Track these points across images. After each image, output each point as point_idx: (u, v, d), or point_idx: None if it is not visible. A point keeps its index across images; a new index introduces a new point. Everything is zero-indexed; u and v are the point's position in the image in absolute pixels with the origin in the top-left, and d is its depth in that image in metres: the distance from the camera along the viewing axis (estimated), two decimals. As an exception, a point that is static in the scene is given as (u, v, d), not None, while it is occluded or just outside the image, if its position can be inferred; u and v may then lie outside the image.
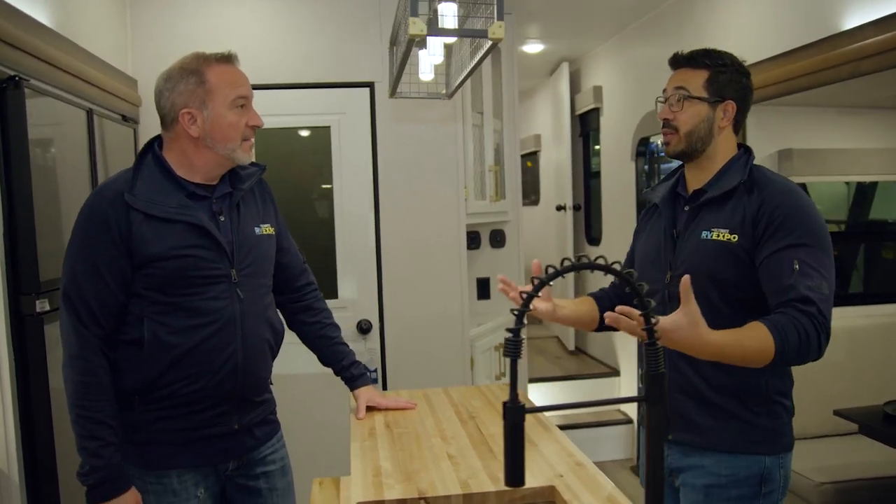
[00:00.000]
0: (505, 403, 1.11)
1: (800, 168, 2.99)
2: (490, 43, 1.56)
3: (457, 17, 1.69)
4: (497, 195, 3.69)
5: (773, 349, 1.40)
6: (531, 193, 6.77)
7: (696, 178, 1.72)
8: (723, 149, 1.69)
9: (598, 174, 5.25)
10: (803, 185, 3.19)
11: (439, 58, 2.03)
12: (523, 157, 6.94)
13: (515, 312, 1.08)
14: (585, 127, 5.49)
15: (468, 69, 1.81)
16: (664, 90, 1.73)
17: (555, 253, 5.81)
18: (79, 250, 1.59)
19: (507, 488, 1.53)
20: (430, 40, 1.89)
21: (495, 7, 1.50)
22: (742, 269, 1.58)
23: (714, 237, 1.61)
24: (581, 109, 5.31)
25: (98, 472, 1.57)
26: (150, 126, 2.96)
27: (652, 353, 1.12)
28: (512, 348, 1.08)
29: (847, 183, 3.50)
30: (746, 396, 1.62)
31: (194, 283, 1.62)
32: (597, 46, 4.95)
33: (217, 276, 1.65)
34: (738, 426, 1.63)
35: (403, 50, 1.75)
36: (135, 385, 1.62)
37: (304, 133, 3.22)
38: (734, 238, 1.58)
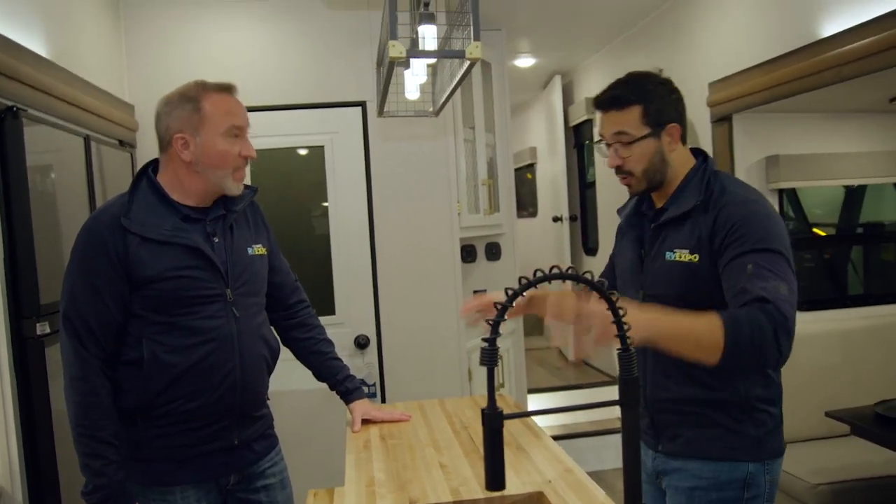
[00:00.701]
0: (483, 410, 1.15)
1: (787, 174, 3.03)
2: (468, 63, 1.61)
3: (437, 39, 1.75)
4: (491, 208, 3.74)
5: (724, 338, 1.36)
6: (529, 206, 6.82)
7: (659, 197, 1.74)
8: (679, 166, 1.69)
9: (593, 185, 5.31)
10: (792, 192, 3.24)
11: (423, 77, 2.09)
12: (521, 169, 7.00)
13: (490, 322, 1.13)
14: (580, 138, 5.55)
15: (450, 88, 1.86)
16: (601, 135, 1.72)
17: (552, 264, 5.85)
18: (78, 273, 1.63)
19: (496, 494, 1.57)
20: (414, 61, 1.94)
21: (472, 28, 1.55)
22: (707, 287, 1.58)
23: (677, 258, 1.62)
24: (575, 121, 5.37)
25: (102, 490, 1.60)
26: (147, 150, 3.03)
27: (625, 359, 1.16)
28: (488, 357, 1.13)
29: (845, 187, 3.54)
30: (728, 406, 1.63)
31: (191, 302, 1.66)
32: (587, 58, 5.02)
33: (213, 295, 1.69)
34: (720, 434, 1.64)
35: (386, 70, 1.81)
36: (136, 404, 1.66)
37: (299, 152, 3.27)
38: (695, 258, 1.59)
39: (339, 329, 3.22)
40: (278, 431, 1.97)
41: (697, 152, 1.74)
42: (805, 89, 2.60)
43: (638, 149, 1.64)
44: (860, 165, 3.17)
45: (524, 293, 1.14)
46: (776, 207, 3.15)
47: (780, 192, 3.18)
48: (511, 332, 3.90)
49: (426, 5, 1.71)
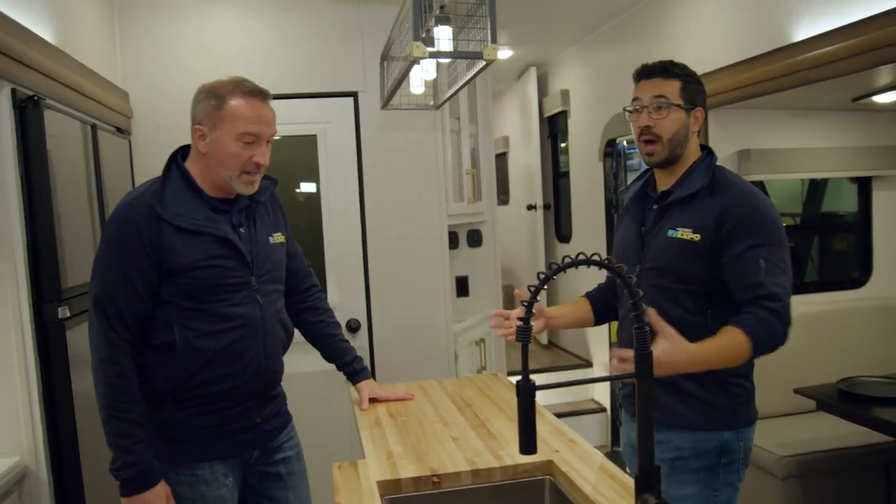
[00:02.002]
0: (518, 382, 1.28)
1: (757, 167, 3.21)
2: (483, 63, 1.72)
3: (451, 39, 1.85)
4: (474, 196, 3.86)
5: (750, 349, 1.61)
6: (501, 193, 6.95)
7: (665, 181, 1.87)
8: (692, 152, 1.84)
9: (566, 174, 5.46)
10: (761, 184, 3.43)
11: (432, 74, 2.19)
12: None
13: (524, 303, 1.25)
14: (554, 128, 5.69)
15: (459, 85, 1.96)
16: (635, 99, 1.84)
17: (526, 251, 6.01)
18: (110, 259, 1.69)
19: (510, 463, 1.71)
20: (425, 60, 2.04)
21: (489, 31, 1.66)
22: (704, 266, 1.74)
23: (679, 236, 1.76)
24: (549, 112, 5.51)
25: (130, 467, 1.67)
26: (142, 137, 3.07)
27: (640, 335, 1.30)
28: (522, 334, 1.25)
29: (802, 180, 3.75)
30: (705, 379, 1.77)
31: (220, 290, 1.74)
32: (563, 51, 5.15)
33: (240, 283, 1.77)
34: (698, 406, 1.79)
35: (401, 67, 1.90)
36: (167, 386, 1.73)
37: (292, 141, 3.34)
38: (697, 237, 1.74)
39: (331, 313, 3.31)
40: (291, 411, 2.07)
41: (702, 147, 1.90)
42: (776, 89, 2.76)
43: (672, 114, 1.78)
44: (823, 160, 3.37)
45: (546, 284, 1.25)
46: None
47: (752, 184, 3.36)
48: (490, 318, 4.03)
49: (442, 7, 1.80)
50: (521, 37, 4.73)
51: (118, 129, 2.88)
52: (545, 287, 1.27)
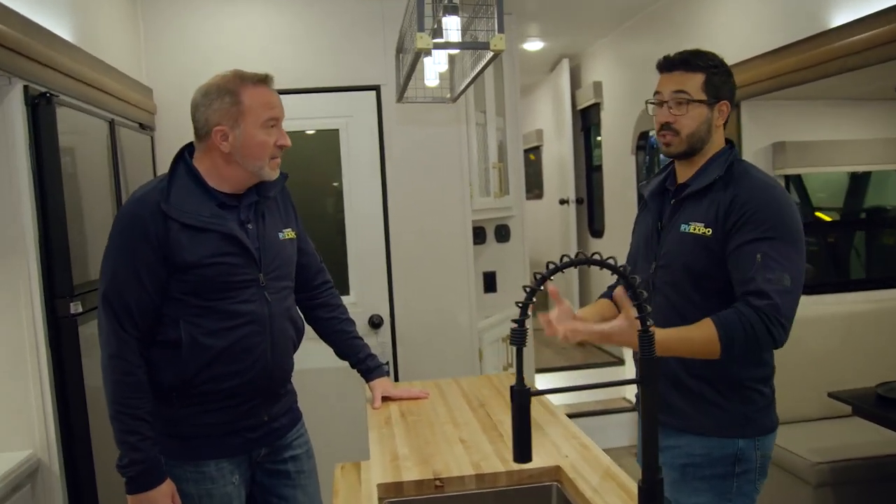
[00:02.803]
0: (512, 387, 1.23)
1: (793, 160, 3.09)
2: (492, 54, 1.66)
3: (460, 29, 1.80)
4: (501, 191, 3.80)
5: (719, 345, 1.54)
6: (535, 188, 6.87)
7: (684, 173, 1.80)
8: (714, 146, 1.76)
9: (599, 168, 5.36)
10: (798, 178, 3.30)
11: (444, 66, 2.14)
12: (526, 151, 7.04)
13: (519, 304, 1.20)
14: (586, 121, 5.59)
15: (470, 77, 1.91)
16: (657, 93, 1.78)
17: (559, 246, 5.92)
18: (118, 256, 1.68)
19: (516, 468, 1.65)
20: (436, 50, 1.99)
21: (496, 20, 1.60)
22: (714, 262, 1.66)
23: (692, 230, 1.69)
24: (582, 104, 5.41)
25: (136, 464, 1.67)
26: (166, 133, 3.08)
27: (645, 340, 1.23)
28: (517, 337, 1.20)
29: (850, 173, 3.59)
30: (719, 383, 1.70)
31: (227, 287, 1.73)
32: (595, 43, 5.05)
33: (247, 280, 1.75)
34: (711, 411, 1.71)
35: (411, 59, 1.86)
36: (173, 382, 1.73)
37: (314, 136, 3.33)
38: (708, 232, 1.66)
39: (353, 309, 3.25)
40: (302, 408, 2.05)
41: (726, 141, 1.81)
42: (811, 79, 2.64)
43: (693, 110, 1.71)
44: (865, 152, 3.22)
45: (551, 277, 1.20)
46: (783, 194, 3.21)
47: (787, 178, 3.24)
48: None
49: (450, -2, 1.75)
50: (552, 28, 4.65)
51: (141, 124, 2.90)
52: (542, 288, 1.22)
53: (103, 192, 2.36)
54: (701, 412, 1.72)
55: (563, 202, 5.62)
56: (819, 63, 2.59)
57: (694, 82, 1.71)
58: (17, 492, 1.88)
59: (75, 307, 2.01)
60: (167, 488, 1.70)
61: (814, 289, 3.27)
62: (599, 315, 1.95)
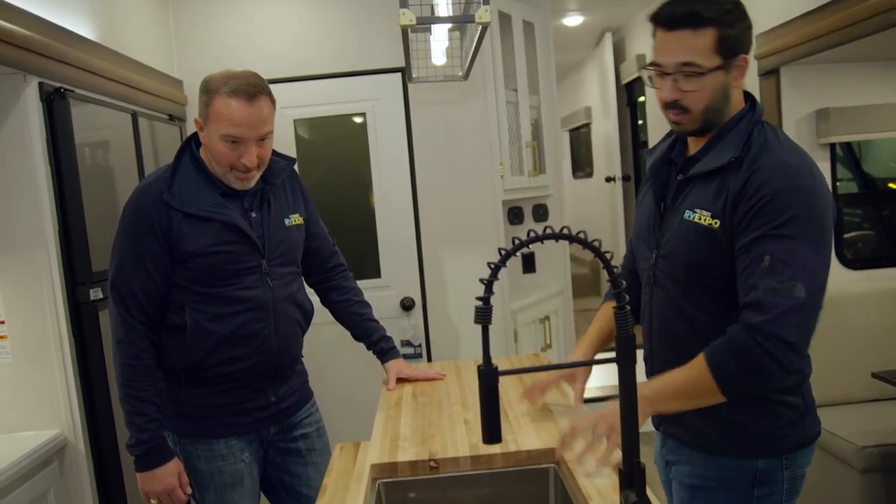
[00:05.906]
0: (479, 367, 1.20)
1: (838, 127, 2.91)
2: (480, 27, 1.62)
3: (453, 5, 1.76)
4: (536, 170, 3.73)
5: (714, 381, 1.30)
6: (585, 166, 6.74)
7: (696, 142, 1.47)
8: (732, 108, 1.42)
9: (646, 143, 5.20)
10: (848, 146, 3.10)
11: (445, 42, 2.10)
12: (577, 129, 6.90)
13: (483, 281, 1.17)
14: (632, 96, 5.44)
15: (471, 52, 1.87)
16: (655, 63, 1.41)
17: (607, 224, 5.79)
18: (124, 244, 1.74)
19: (512, 449, 1.63)
20: (435, 26, 1.96)
21: (482, -8, 1.56)
22: (722, 259, 1.37)
23: (696, 219, 1.39)
24: (626, 79, 5.26)
25: (143, 444, 1.74)
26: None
27: (621, 318, 1.18)
28: (482, 315, 1.17)
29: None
30: None
31: (229, 275, 1.76)
32: (637, 14, 4.88)
33: (249, 268, 1.78)
34: (726, 428, 1.44)
35: (404, 38, 1.84)
36: (181, 365, 1.78)
37: (342, 120, 3.34)
38: (716, 223, 1.36)
39: (385, 292, 3.31)
40: (316, 389, 2.07)
41: (746, 96, 1.47)
42: (852, 38, 2.47)
43: (707, 82, 1.35)
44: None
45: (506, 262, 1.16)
46: (827, 165, 3.03)
47: (832, 147, 3.06)
48: (560, 293, 3.91)
49: (440, -29, 1.72)
50: (592, 1, 4.52)
51: (170, 116, 2.97)
52: (506, 265, 1.18)
53: (128, 181, 2.43)
54: (714, 428, 1.45)
55: (608, 179, 5.50)
56: (859, 20, 2.42)
57: (704, 44, 1.33)
58: (45, 467, 1.97)
59: (95, 293, 2.09)
60: (173, 466, 1.76)
61: (865, 263, 3.09)
62: (607, 323, 1.78)
